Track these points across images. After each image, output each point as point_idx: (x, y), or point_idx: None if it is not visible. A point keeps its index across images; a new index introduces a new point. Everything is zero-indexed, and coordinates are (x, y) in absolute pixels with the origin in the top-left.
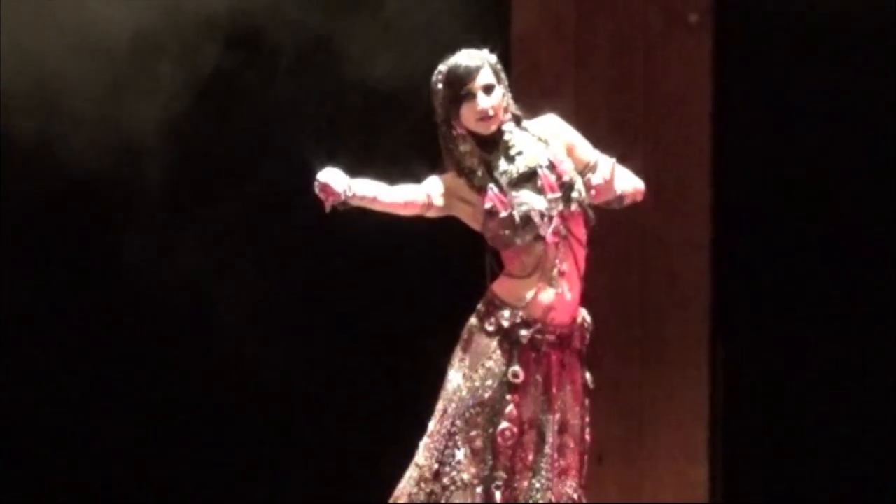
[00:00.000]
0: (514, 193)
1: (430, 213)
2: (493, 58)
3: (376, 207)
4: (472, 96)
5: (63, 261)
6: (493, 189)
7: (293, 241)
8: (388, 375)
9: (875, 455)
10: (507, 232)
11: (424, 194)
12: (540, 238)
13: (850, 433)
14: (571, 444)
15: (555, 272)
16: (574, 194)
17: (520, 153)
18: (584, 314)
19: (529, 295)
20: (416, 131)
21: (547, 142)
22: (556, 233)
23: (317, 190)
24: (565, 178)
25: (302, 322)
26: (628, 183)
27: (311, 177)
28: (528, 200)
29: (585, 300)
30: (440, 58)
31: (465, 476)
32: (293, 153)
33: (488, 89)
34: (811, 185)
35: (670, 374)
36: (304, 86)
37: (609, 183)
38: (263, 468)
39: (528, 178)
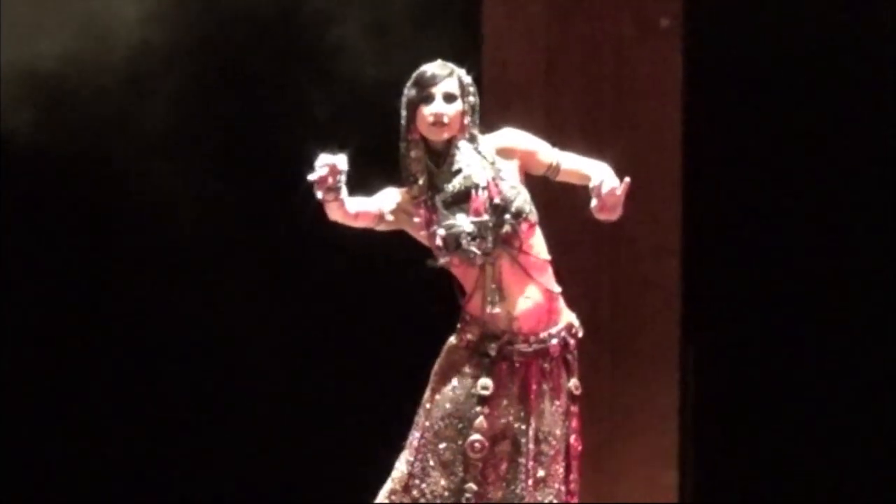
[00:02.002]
0: (445, 213)
1: (381, 227)
2: (467, 76)
3: (335, 215)
4: (430, 99)
5: (63, 262)
6: (425, 205)
7: (286, 245)
8: (376, 388)
9: (846, 458)
10: (435, 250)
11: (376, 207)
12: (470, 259)
13: (821, 438)
14: (551, 453)
15: (492, 291)
16: (507, 216)
17: (459, 171)
18: (570, 320)
19: (485, 309)
20: (384, 142)
21: (493, 162)
22: (486, 254)
23: (323, 172)
24: (496, 199)
25: (293, 330)
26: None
27: (298, 180)
28: (458, 222)
29: None
30: (411, 65)
31: (435, 489)
32: (283, 158)
33: (449, 98)
34: (782, 191)
35: (641, 380)
36: (287, 95)
37: (619, 199)
38: (255, 473)
39: (464, 199)
